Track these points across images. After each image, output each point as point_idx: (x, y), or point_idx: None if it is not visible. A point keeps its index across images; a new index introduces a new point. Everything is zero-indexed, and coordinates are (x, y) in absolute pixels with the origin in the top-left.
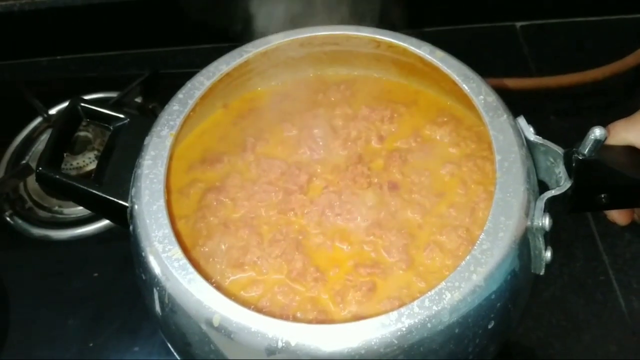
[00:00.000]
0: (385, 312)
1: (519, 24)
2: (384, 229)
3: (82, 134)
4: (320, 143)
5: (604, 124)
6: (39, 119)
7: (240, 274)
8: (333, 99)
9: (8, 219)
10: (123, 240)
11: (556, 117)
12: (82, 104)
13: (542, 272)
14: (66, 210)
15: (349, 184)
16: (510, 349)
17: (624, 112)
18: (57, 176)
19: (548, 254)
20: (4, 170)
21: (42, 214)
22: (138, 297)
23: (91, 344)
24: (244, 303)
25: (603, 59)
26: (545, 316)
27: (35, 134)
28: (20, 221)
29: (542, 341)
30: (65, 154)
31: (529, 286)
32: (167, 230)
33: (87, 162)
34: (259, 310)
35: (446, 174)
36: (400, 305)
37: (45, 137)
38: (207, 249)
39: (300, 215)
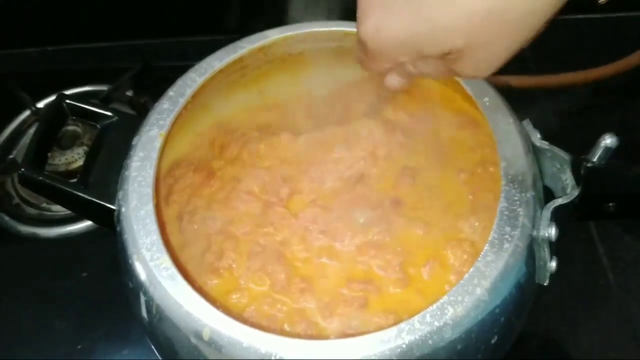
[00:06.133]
0: (379, 325)
1: None
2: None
3: (70, 128)
4: (316, 151)
5: (606, 123)
6: (27, 112)
7: (216, 279)
8: (332, 102)
9: None
10: (113, 240)
11: (558, 116)
12: (68, 101)
13: (546, 283)
14: (54, 208)
15: (347, 191)
16: (507, 353)
17: (626, 112)
18: (41, 178)
19: (553, 264)
20: None
21: (30, 211)
22: (128, 299)
23: (79, 346)
24: (231, 312)
25: (606, 58)
26: (544, 320)
27: (23, 127)
28: (7, 218)
29: (540, 346)
30: (53, 149)
31: (532, 297)
32: (156, 236)
33: (76, 157)
34: (245, 320)
35: (454, 183)
36: (396, 320)
37: (33, 131)
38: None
39: (289, 228)
